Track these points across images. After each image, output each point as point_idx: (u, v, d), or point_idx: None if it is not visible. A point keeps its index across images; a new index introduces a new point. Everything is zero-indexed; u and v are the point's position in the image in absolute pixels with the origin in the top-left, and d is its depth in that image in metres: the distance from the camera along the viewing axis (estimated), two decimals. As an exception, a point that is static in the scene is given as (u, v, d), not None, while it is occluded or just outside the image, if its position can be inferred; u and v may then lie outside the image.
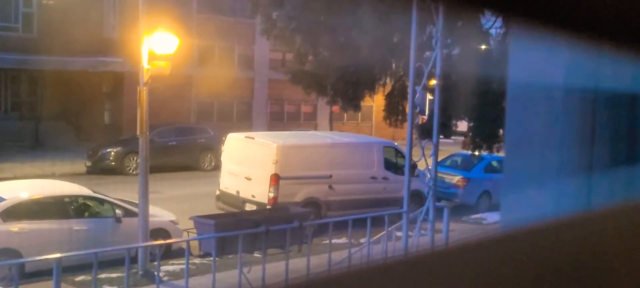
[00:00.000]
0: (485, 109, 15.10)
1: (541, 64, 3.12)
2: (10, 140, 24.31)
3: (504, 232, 1.14)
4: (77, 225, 11.48)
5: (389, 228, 11.69)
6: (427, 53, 13.62)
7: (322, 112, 31.79)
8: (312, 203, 14.56)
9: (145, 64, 10.73)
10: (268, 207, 14.25)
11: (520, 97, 3.42)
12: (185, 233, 12.03)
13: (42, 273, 9.65)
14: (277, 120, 31.81)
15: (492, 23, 15.32)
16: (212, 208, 15.11)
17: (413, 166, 13.44)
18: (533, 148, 3.41)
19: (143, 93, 10.93)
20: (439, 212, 12.16)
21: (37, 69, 25.81)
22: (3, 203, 10.96)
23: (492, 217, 16.52)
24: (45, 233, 10.97)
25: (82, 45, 24.38)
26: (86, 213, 11.91)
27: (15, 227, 10.82)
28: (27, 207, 11.29)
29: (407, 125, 12.34)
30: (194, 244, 11.39)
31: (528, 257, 1.02)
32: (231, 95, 29.97)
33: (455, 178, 18.35)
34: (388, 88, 17.83)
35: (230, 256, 10.67)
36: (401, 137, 20.64)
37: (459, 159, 19.54)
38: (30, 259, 9.66)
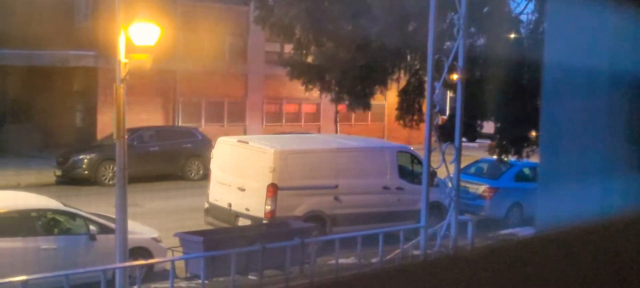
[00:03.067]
0: (514, 107, 15.06)
1: (583, 49, 3.09)
2: (-32, 145, 24.38)
3: (541, 244, 1.13)
4: (45, 243, 11.48)
5: (405, 246, 11.68)
6: (448, 43, 13.61)
7: (326, 112, 31.77)
8: (315, 217, 14.54)
9: (122, 57, 10.74)
10: (264, 221, 14.23)
11: (558, 91, 3.40)
12: (169, 252, 12.01)
13: (5, 298, 9.64)
14: (275, 122, 31.81)
15: (523, 7, 15.31)
16: (200, 223, 15.10)
17: (432, 174, 13.42)
18: (573, 148, 3.39)
19: (120, 91, 10.93)
20: (462, 226, 12.15)
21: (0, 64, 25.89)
22: (-40, 218, 10.97)
23: (524, 232, 16.49)
24: (8, 253, 10.97)
25: (51, 37, 24.46)
26: (56, 230, 11.91)
27: (-26, 245, 10.83)
28: (-12, 223, 11.29)
29: (424, 126, 12.33)
30: (180, 265, 11.38)
31: (572, 270, 1.00)
32: (221, 94, 30.02)
33: (481, 188, 18.33)
34: (402, 83, 17.80)
35: (221, 279, 10.66)
36: (418, 141, 20.62)
37: (485, 166, 19.52)
38: (-10, 283, 9.66)
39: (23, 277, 8.45)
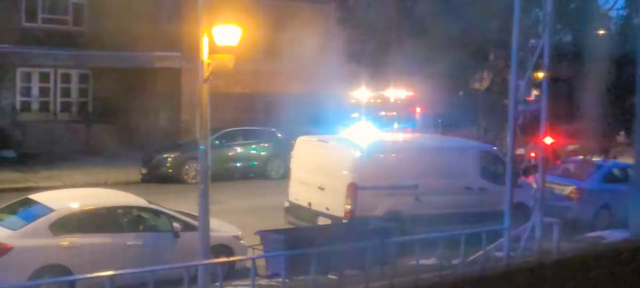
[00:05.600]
0: (604, 104, 14.67)
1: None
2: (59, 145, 25.29)
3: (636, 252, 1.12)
4: (131, 239, 11.84)
5: (487, 248, 11.51)
6: (532, 41, 13.36)
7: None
8: (395, 217, 14.48)
9: (205, 57, 10.96)
10: (344, 221, 14.27)
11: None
12: (250, 250, 12.20)
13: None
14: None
15: (612, 3, 14.88)
16: (280, 222, 15.26)
17: (516, 174, 13.19)
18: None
19: (203, 91, 11.15)
20: (547, 229, 11.90)
21: (88, 66, 26.79)
22: (52, 214, 11.43)
23: (613, 236, 16.00)
24: (97, 248, 11.38)
25: (136, 39, 25.16)
26: (141, 227, 12.26)
27: (65, 241, 11.27)
28: (78, 219, 11.73)
29: (507, 126, 12.13)
30: (261, 263, 11.53)
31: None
32: (303, 93, 30.11)
33: (568, 189, 17.89)
34: (485, 83, 17.58)
35: (301, 277, 10.75)
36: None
37: (572, 166, 19.04)
38: (81, 276, 10.03)
39: (110, 272, 8.73)
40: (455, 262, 11.79)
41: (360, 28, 16.48)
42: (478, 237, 11.58)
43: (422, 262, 11.29)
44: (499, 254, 12.09)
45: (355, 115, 24.58)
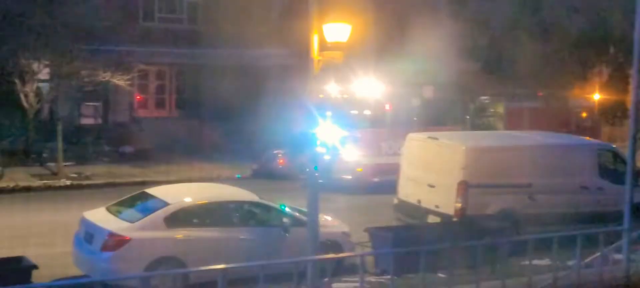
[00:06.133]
0: None
1: None
2: (174, 140, 26.15)
3: None
4: (242, 233, 12.09)
5: (606, 249, 11.10)
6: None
7: (512, 110, 30.95)
8: (507, 216, 14.18)
9: (314, 54, 11.04)
10: (454, 219, 14.10)
11: None
12: (358, 247, 12.21)
13: (206, 285, 10.27)
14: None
15: None
16: (389, 219, 15.23)
17: (637, 173, 12.66)
18: None
19: (312, 87, 11.23)
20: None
21: (201, 64, 27.55)
22: (167, 208, 11.83)
23: None
24: (209, 242, 11.69)
25: (247, 37, 25.68)
26: (252, 222, 12.51)
27: (179, 234, 11.65)
28: (192, 213, 12.07)
29: (629, 122, 11.66)
30: (369, 260, 11.53)
31: None
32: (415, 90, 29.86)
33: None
34: (604, 78, 16.94)
35: (410, 275, 10.69)
36: (621, 138, 19.47)
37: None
38: (194, 269, 10.33)
39: (222, 266, 8.93)
40: (570, 263, 11.43)
41: (473, 22, 16.21)
42: (595, 238, 11.18)
43: (535, 262, 11.02)
44: (617, 257, 11.61)
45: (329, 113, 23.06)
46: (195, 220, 11.93)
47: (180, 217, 11.80)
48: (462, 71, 29.60)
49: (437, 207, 14.59)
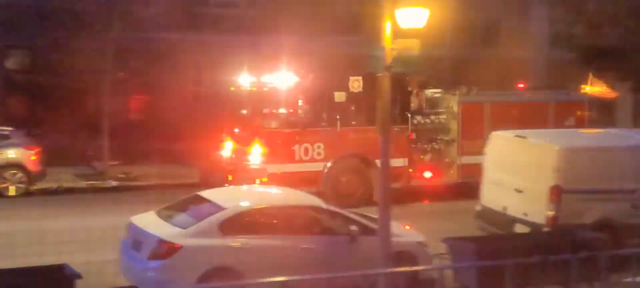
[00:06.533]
0: None
1: None
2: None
3: None
4: (304, 242, 12.05)
5: None
6: None
7: (621, 104, 30.08)
8: (607, 226, 13.83)
9: (387, 43, 10.96)
10: (546, 229, 13.85)
11: None
12: (436, 259, 12.06)
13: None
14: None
15: None
16: (470, 228, 15.04)
17: None
18: None
19: (384, 80, 11.16)
20: None
21: (260, 52, 27.72)
22: (222, 213, 11.87)
23: None
24: (268, 251, 11.68)
25: (314, 24, 25.73)
26: (316, 229, 12.47)
27: (235, 241, 11.69)
28: (249, 219, 12.08)
29: None
30: (448, 274, 11.39)
31: None
32: (495, 81, 29.36)
33: None
34: None
35: (494, 292, 10.50)
36: None
37: None
38: (252, 281, 10.35)
39: (282, 278, 8.91)
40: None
41: (568, 6, 15.82)
42: None
43: (639, 279, 10.73)
44: None
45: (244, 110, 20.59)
46: (253, 227, 11.94)
47: (237, 224, 11.83)
48: (553, 62, 29.12)
49: (525, 215, 14.35)
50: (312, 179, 19.18)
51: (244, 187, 16.66)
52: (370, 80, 19.20)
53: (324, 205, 12.85)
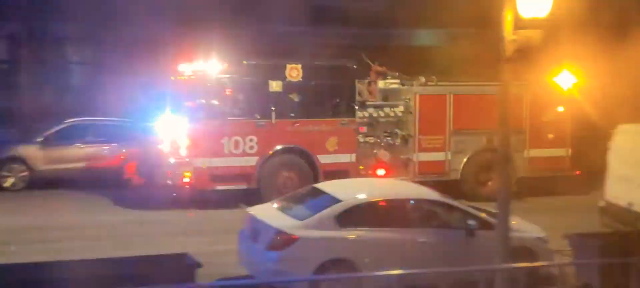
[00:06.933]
0: None
1: None
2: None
3: None
4: (421, 236, 11.98)
5: None
6: None
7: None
8: None
9: (507, 33, 10.70)
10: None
11: None
12: (557, 256, 11.77)
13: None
14: None
15: None
16: (594, 224, 14.61)
17: None
18: None
19: (505, 72, 10.90)
20: None
21: (381, 44, 27.72)
22: (339, 205, 11.91)
23: None
24: (384, 244, 11.67)
25: (427, 16, 25.51)
26: (433, 222, 12.37)
27: (351, 234, 11.71)
28: (366, 212, 12.09)
29: None
30: (570, 271, 11.12)
31: None
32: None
33: None
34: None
35: (619, 292, 10.15)
36: None
37: None
38: (368, 274, 10.35)
39: (398, 271, 8.88)
40: None
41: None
42: None
43: None
44: None
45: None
46: (369, 220, 11.94)
47: (353, 216, 11.85)
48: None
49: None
50: (245, 175, 18.13)
51: (362, 180, 16.70)
52: (311, 69, 18.69)
53: (441, 198, 12.73)
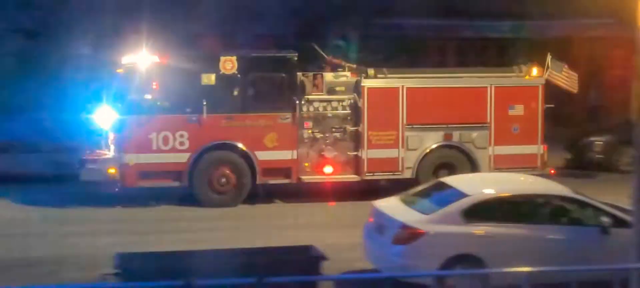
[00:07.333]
0: None
1: None
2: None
3: None
4: (551, 232, 11.69)
5: None
6: None
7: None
8: None
9: (644, 22, 10.28)
10: None
11: None
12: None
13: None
14: None
15: None
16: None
17: None
18: None
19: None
20: None
21: (510, 37, 27.28)
22: (466, 200, 11.75)
23: None
24: (512, 240, 11.43)
25: (563, 6, 24.87)
26: (564, 219, 12.01)
27: (478, 229, 11.53)
28: (493, 207, 11.88)
29: None
30: None
31: None
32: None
33: None
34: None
35: None
36: None
37: None
38: (496, 270, 10.15)
39: (528, 269, 8.67)
40: None
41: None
42: None
43: None
44: None
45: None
46: (496, 215, 11.71)
47: (480, 211, 11.65)
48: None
49: None
50: (175, 172, 17.36)
51: (489, 174, 16.44)
52: (247, 61, 17.66)
53: (573, 194, 12.35)
